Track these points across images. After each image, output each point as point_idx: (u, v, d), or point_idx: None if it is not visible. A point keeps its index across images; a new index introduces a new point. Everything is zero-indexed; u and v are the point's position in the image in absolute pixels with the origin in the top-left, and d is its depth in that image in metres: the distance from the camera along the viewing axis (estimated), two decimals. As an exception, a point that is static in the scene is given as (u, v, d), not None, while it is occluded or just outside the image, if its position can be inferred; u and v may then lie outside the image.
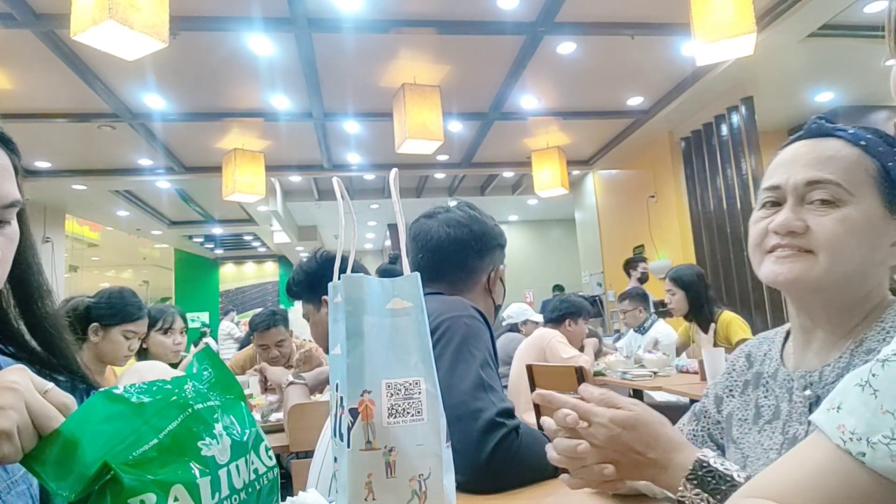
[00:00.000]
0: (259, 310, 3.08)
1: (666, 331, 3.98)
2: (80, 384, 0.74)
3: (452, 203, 1.31)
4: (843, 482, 0.43)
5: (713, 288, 3.32)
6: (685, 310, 3.14)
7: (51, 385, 0.52)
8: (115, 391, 0.51)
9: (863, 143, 0.71)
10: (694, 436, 0.88)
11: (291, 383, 2.14)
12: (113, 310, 1.98)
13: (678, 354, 3.31)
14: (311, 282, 1.81)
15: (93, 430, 0.48)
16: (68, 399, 0.52)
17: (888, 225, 0.70)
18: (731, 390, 0.86)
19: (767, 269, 0.73)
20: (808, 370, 0.73)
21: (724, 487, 0.60)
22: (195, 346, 8.15)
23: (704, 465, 0.63)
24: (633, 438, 0.66)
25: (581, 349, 3.84)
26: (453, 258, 1.21)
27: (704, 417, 0.88)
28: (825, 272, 0.69)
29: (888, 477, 0.41)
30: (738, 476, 0.61)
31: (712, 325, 3.08)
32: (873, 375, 0.43)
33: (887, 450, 0.40)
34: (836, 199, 0.69)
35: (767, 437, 0.75)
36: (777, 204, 0.74)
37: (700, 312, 3.09)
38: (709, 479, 0.61)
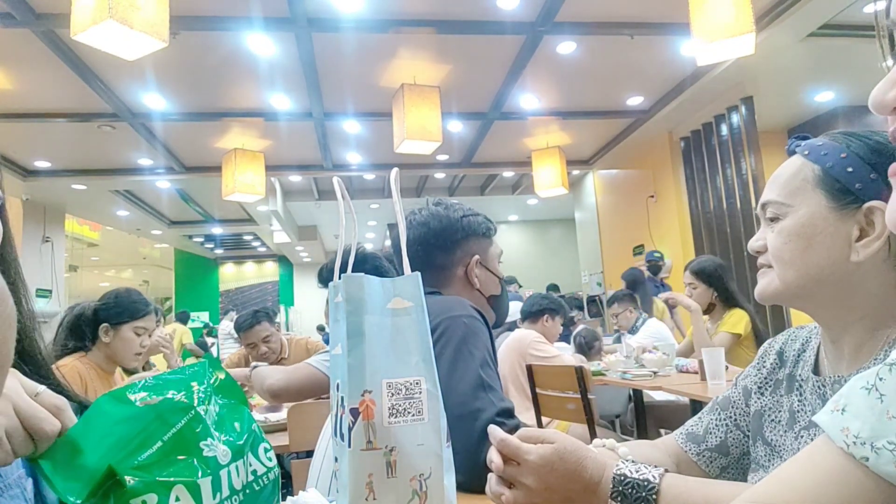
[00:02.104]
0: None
1: (657, 328, 3.96)
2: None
3: (426, 203, 1.30)
4: (847, 487, 0.43)
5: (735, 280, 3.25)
6: (705, 305, 3.09)
7: (42, 388, 0.51)
8: (123, 394, 0.51)
9: (805, 152, 0.74)
10: (716, 425, 0.88)
11: (254, 367, 2.11)
12: (120, 308, 2.01)
13: (687, 357, 3.25)
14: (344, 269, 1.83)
15: (101, 433, 0.49)
16: (60, 401, 0.51)
17: (838, 221, 0.69)
18: (760, 388, 0.85)
19: None
20: (843, 375, 0.72)
21: (644, 494, 0.64)
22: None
23: (622, 478, 0.66)
24: (564, 467, 0.67)
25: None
26: (419, 258, 1.21)
27: (731, 407, 0.88)
28: (781, 283, 0.74)
29: (892, 482, 0.40)
30: (654, 477, 0.65)
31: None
32: (880, 379, 0.43)
33: (891, 456, 0.40)
34: (778, 215, 0.74)
35: (806, 443, 0.74)
36: None
37: (726, 305, 3.05)
38: (629, 490, 0.65)
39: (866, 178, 0.69)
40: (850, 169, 0.69)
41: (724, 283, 3.05)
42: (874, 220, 0.67)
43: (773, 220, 0.75)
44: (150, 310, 2.07)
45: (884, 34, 0.50)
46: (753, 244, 0.79)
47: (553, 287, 7.93)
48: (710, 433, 0.88)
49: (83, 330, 1.99)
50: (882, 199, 0.66)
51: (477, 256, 1.26)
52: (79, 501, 0.46)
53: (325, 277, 2.14)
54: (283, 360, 3.02)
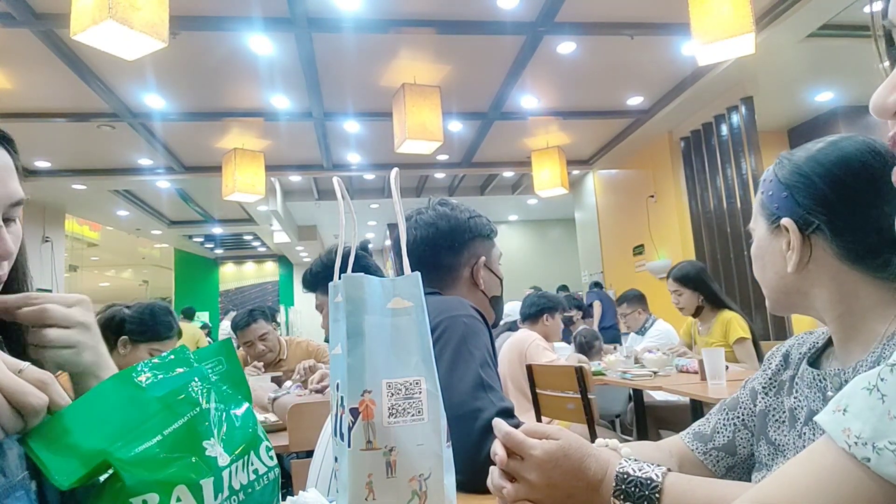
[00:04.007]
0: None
1: (665, 329, 3.97)
2: None
3: (427, 203, 1.30)
4: (848, 488, 0.43)
5: (716, 282, 3.27)
6: (693, 309, 3.10)
7: (25, 364, 0.50)
8: (129, 376, 0.51)
9: (762, 178, 0.81)
10: (724, 425, 0.88)
11: (274, 399, 2.12)
12: (143, 326, 1.94)
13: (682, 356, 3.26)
14: (327, 274, 1.82)
15: (100, 416, 0.48)
16: (45, 376, 0.50)
17: (774, 240, 0.77)
18: (765, 388, 0.86)
19: None
20: (842, 367, 0.73)
21: (647, 492, 0.64)
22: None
23: (624, 477, 0.66)
24: (568, 464, 0.68)
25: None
26: (426, 259, 1.21)
27: (739, 407, 0.88)
28: (767, 299, 0.82)
29: (894, 483, 0.40)
30: (657, 476, 0.65)
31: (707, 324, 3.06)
32: (881, 380, 0.43)
33: (893, 456, 0.40)
34: (752, 240, 0.84)
35: (809, 440, 0.75)
36: None
37: (714, 307, 3.05)
38: (632, 489, 0.65)
39: (780, 198, 0.75)
40: (770, 192, 0.77)
41: (708, 285, 3.05)
42: (788, 234, 0.74)
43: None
44: (171, 335, 1.99)
45: (880, 35, 0.50)
46: None
47: (563, 287, 7.87)
48: (718, 432, 0.88)
49: (108, 335, 1.92)
50: (791, 216, 0.73)
51: (483, 258, 1.27)
52: (67, 485, 0.45)
53: (309, 282, 2.03)
54: (280, 360, 3.01)
